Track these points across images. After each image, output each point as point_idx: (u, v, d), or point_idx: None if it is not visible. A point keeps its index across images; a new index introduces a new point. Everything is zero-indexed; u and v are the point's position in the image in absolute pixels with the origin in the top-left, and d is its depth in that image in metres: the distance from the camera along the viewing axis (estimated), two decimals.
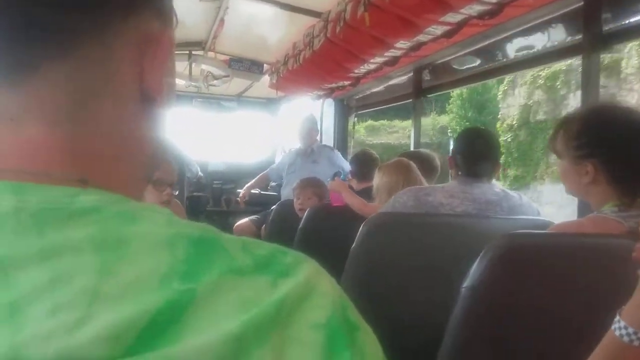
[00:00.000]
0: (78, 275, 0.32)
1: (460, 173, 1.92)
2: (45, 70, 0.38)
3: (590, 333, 0.95)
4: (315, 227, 2.46)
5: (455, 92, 16.93)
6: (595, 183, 1.27)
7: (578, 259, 1.03)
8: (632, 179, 1.22)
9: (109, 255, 0.33)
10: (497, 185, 1.95)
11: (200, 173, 4.93)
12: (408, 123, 14.57)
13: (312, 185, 3.17)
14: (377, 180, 2.35)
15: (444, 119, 18.94)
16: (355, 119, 4.80)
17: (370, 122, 18.69)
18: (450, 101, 18.19)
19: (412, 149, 3.49)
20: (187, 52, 4.01)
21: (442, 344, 1.05)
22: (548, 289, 1.01)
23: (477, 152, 1.89)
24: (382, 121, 19.06)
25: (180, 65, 4.15)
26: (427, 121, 17.05)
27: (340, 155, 4.23)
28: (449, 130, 17.96)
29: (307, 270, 0.37)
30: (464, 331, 1.02)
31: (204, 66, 4.16)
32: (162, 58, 0.43)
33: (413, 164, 2.31)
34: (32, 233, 0.33)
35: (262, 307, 0.33)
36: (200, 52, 4.00)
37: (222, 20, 3.27)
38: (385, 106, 4.12)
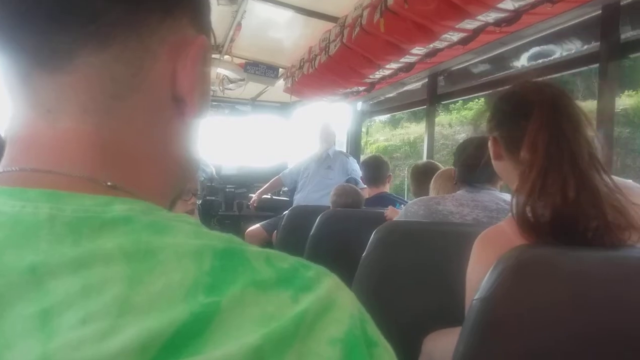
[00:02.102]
0: (109, 284, 0.32)
1: (456, 183, 1.96)
2: (81, 60, 0.38)
3: (603, 345, 0.93)
4: (327, 233, 2.46)
5: None
6: (498, 159, 1.28)
7: (590, 271, 1.01)
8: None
9: (140, 265, 0.33)
10: (506, 194, 1.93)
11: (214, 174, 4.95)
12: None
13: (337, 194, 2.95)
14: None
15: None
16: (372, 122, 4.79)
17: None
18: None
19: (424, 157, 3.46)
20: None
21: (453, 355, 1.04)
22: (560, 300, 0.99)
23: (469, 160, 1.88)
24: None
25: None
26: None
27: (355, 162, 4.22)
28: None
29: (328, 284, 0.37)
30: (475, 343, 1.00)
31: (220, 69, 4.19)
32: (194, 61, 0.43)
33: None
34: (66, 242, 0.34)
35: (282, 321, 0.33)
36: (217, 56, 4.02)
37: (239, 24, 3.29)
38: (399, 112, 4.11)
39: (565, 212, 1.04)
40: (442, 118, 12.45)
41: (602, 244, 1.03)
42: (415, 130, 13.63)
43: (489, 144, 1.32)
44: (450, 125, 12.72)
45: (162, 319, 0.32)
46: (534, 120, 1.11)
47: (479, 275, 1.06)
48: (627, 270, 1.03)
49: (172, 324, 0.31)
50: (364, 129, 4.81)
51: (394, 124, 15.05)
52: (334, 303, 0.36)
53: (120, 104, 0.40)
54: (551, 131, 1.08)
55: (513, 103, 1.22)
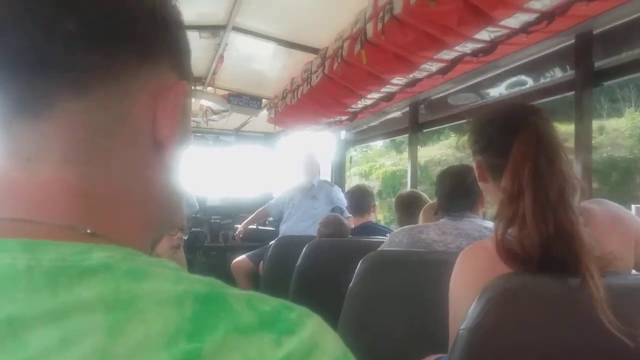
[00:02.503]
0: (88, 335, 0.32)
1: (436, 213, 1.99)
2: (60, 108, 0.39)
3: None
4: (313, 263, 2.45)
5: None
6: (483, 181, 1.29)
7: (577, 297, 1.02)
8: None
9: (119, 315, 0.33)
10: (488, 222, 1.95)
11: (197, 206, 4.92)
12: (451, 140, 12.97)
13: (322, 225, 2.98)
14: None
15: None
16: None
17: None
18: None
19: (409, 187, 3.48)
20: None
21: None
22: (547, 328, 0.99)
23: (446, 189, 1.95)
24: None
25: None
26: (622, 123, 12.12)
27: (339, 190, 4.23)
28: None
29: (311, 326, 0.38)
30: None
31: (203, 101, 4.21)
32: (174, 105, 0.44)
33: None
34: (44, 292, 0.33)
35: None
36: (200, 88, 4.05)
37: (221, 57, 3.32)
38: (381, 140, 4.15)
39: (544, 243, 1.07)
40: (453, 140, 11.80)
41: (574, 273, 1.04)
42: (425, 153, 12.84)
43: (474, 165, 1.33)
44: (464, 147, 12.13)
45: None
46: (515, 153, 1.14)
47: (461, 288, 1.08)
48: (613, 295, 1.04)
49: None
50: (355, 155, 4.83)
51: (397, 147, 14.51)
52: (317, 346, 0.37)
53: (100, 151, 0.41)
54: (531, 166, 1.11)
55: (497, 129, 1.24)
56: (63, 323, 0.32)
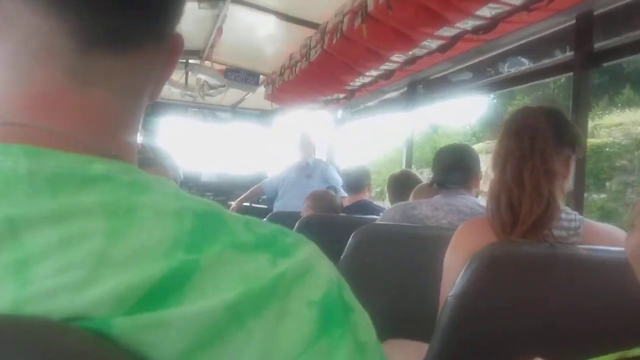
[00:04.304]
0: (87, 238, 0.33)
1: (431, 185, 2.03)
2: (133, 50, 0.41)
3: (570, 337, 0.96)
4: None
5: None
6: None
7: (558, 267, 1.04)
8: None
9: (119, 221, 0.34)
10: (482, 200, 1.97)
11: (181, 176, 4.90)
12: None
13: (312, 198, 3.05)
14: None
15: None
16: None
17: None
18: None
19: (404, 166, 3.48)
20: (184, 60, 4.01)
21: (428, 351, 1.05)
22: (531, 295, 1.01)
23: (443, 164, 1.97)
24: None
25: (177, 74, 4.15)
26: None
27: (334, 170, 4.22)
28: None
29: (306, 251, 0.38)
30: (449, 338, 1.01)
31: (200, 75, 4.17)
32: (173, 67, 0.48)
33: None
34: (45, 196, 0.34)
35: (260, 281, 0.34)
36: (197, 61, 4.01)
37: (220, 29, 3.28)
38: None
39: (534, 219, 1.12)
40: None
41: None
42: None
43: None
44: None
45: (140, 273, 0.32)
46: (521, 147, 1.18)
47: (455, 261, 1.11)
48: (588, 265, 1.07)
49: (151, 278, 0.32)
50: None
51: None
52: (312, 268, 0.37)
53: (133, 92, 0.43)
54: (532, 163, 1.16)
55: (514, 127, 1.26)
56: (63, 225, 0.33)
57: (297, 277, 0.36)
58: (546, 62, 2.25)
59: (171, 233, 0.34)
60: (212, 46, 3.63)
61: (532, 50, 2.30)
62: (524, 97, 11.74)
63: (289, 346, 0.33)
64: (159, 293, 0.32)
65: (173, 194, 0.38)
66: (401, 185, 2.66)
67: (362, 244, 1.71)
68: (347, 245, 1.74)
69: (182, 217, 0.35)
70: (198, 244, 0.34)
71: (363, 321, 0.38)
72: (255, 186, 4.53)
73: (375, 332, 0.39)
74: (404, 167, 3.44)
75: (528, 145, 1.17)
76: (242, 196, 4.50)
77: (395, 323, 1.58)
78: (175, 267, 0.32)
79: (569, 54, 2.09)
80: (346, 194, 3.49)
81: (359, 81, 3.17)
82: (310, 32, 3.04)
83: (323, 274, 0.37)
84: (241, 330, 0.32)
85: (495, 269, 1.04)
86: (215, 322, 0.32)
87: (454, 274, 1.12)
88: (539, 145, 1.16)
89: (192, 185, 4.94)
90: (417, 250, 1.68)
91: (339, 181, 3.99)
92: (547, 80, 2.18)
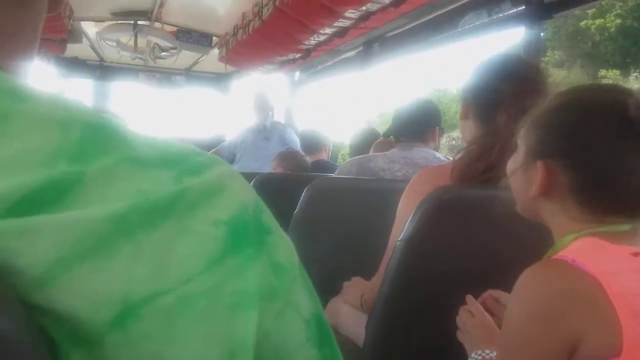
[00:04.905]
0: None
1: (388, 137, 2.07)
2: None
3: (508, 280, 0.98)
4: (262, 196, 2.43)
5: None
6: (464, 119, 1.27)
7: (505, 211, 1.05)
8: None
9: None
10: (439, 154, 1.98)
11: None
12: None
13: (280, 157, 3.06)
14: None
15: None
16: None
17: None
18: None
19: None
20: (132, 22, 3.85)
21: (378, 291, 1.05)
22: (477, 236, 1.02)
23: (401, 118, 1.99)
24: None
25: (125, 36, 3.99)
26: None
27: (293, 132, 4.18)
28: None
29: (220, 170, 0.35)
30: (399, 280, 1.02)
31: (150, 37, 4.02)
32: None
33: None
34: None
35: (155, 195, 0.31)
36: (146, 23, 3.85)
37: None
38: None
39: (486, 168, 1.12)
40: None
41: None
42: None
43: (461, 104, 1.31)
44: None
45: (10, 182, 0.28)
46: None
47: (408, 208, 1.11)
48: None
49: (21, 188, 0.28)
50: None
51: None
52: (223, 188, 0.34)
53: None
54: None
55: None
56: None
57: (204, 196, 0.33)
58: (500, 16, 2.25)
59: (53, 142, 0.31)
60: (161, 6, 3.49)
61: (485, 3, 2.29)
62: None
63: (187, 262, 0.31)
64: (32, 203, 0.29)
65: (63, 105, 0.34)
66: (363, 140, 2.67)
67: (314, 198, 1.70)
68: (300, 199, 1.72)
69: (69, 127, 0.32)
70: (85, 155, 0.31)
71: (283, 244, 0.36)
72: (213, 150, 4.45)
73: (297, 257, 0.37)
74: None
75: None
76: None
77: (348, 272, 1.59)
78: (53, 178, 0.29)
79: (521, 7, 2.09)
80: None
81: (314, 40, 3.11)
82: None
83: (236, 195, 0.35)
84: (129, 242, 0.29)
85: (444, 212, 1.04)
86: (96, 232, 0.29)
87: (406, 219, 1.12)
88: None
89: None
90: (370, 202, 1.68)
91: (297, 143, 3.96)
92: (500, 31, 2.18)
